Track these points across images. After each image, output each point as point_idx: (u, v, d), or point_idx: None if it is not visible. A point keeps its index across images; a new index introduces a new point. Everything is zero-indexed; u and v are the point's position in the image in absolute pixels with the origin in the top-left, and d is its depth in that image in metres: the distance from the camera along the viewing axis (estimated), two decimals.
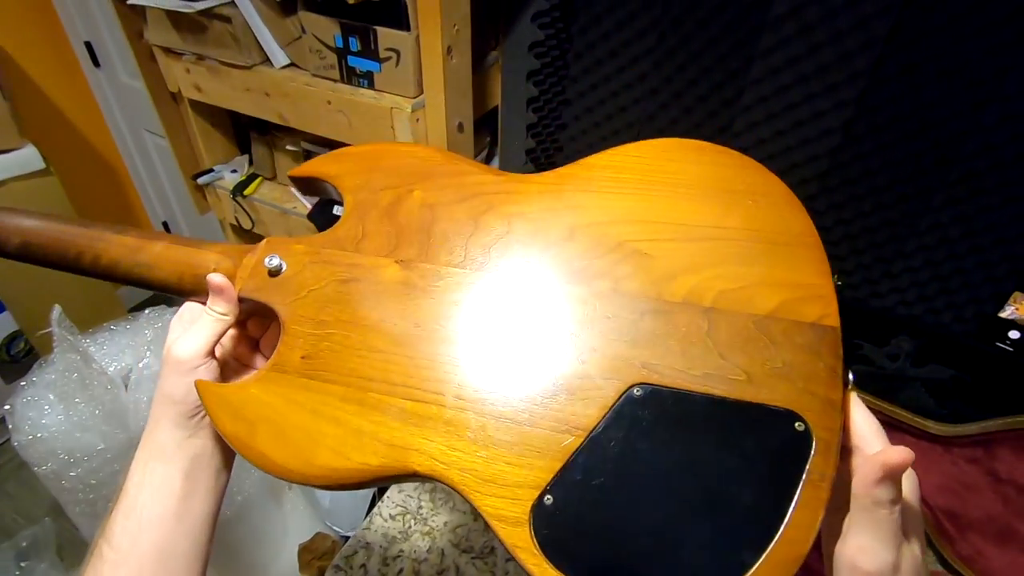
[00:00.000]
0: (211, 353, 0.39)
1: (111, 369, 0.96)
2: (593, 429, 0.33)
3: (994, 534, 0.82)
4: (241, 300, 0.40)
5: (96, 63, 1.88)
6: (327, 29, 0.84)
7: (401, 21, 0.78)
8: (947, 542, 0.85)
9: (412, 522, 0.92)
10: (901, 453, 0.29)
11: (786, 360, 0.34)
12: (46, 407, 0.90)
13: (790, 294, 0.36)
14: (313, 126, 0.93)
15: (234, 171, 1.21)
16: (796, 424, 0.32)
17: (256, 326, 0.46)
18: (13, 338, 1.81)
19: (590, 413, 0.34)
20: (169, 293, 0.44)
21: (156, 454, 0.39)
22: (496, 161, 1.17)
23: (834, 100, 0.84)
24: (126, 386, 0.95)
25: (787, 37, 0.82)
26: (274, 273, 0.40)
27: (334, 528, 1.36)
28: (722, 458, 0.32)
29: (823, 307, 0.36)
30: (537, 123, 1.03)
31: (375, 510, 0.95)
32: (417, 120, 0.85)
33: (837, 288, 1.03)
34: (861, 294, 1.00)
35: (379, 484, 0.36)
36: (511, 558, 0.71)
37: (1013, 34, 0.72)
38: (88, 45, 1.84)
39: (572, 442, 0.33)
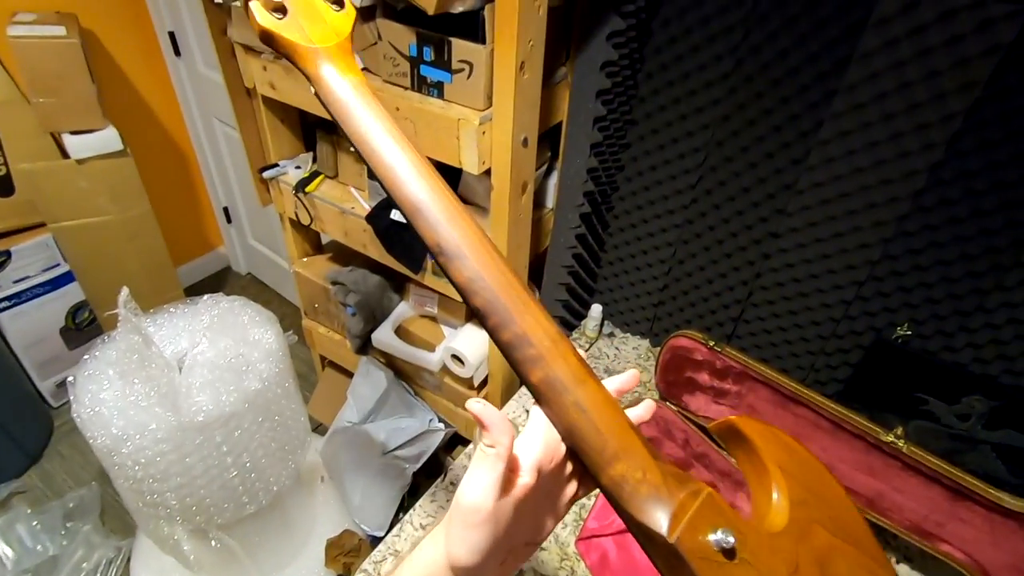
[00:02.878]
0: None
1: (168, 351, 0.99)
2: None
3: None
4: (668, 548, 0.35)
5: (177, 52, 1.97)
6: (403, 37, 0.85)
7: (477, 34, 0.78)
8: None
9: None
10: None
11: None
12: (105, 382, 0.94)
13: None
14: None
15: (298, 167, 1.23)
16: None
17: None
18: (79, 307, 1.91)
19: None
20: (575, 449, 0.38)
21: None
22: (555, 176, 1.16)
23: (923, 141, 0.79)
24: (180, 369, 0.99)
25: (876, 72, 0.78)
26: (723, 552, 0.35)
27: (362, 526, 1.37)
28: None
29: None
30: (602, 142, 1.02)
31: (406, 517, 0.94)
32: (483, 133, 0.85)
33: (905, 337, 0.96)
34: (933, 346, 0.94)
35: None
36: None
37: None
38: (171, 35, 1.93)
39: None
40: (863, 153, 0.84)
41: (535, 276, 1.23)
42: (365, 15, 0.87)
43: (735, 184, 1.01)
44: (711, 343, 1.00)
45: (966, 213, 0.82)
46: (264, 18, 0.41)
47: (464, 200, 1.08)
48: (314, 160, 1.25)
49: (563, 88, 1.02)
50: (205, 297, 1.10)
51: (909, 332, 0.95)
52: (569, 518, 0.94)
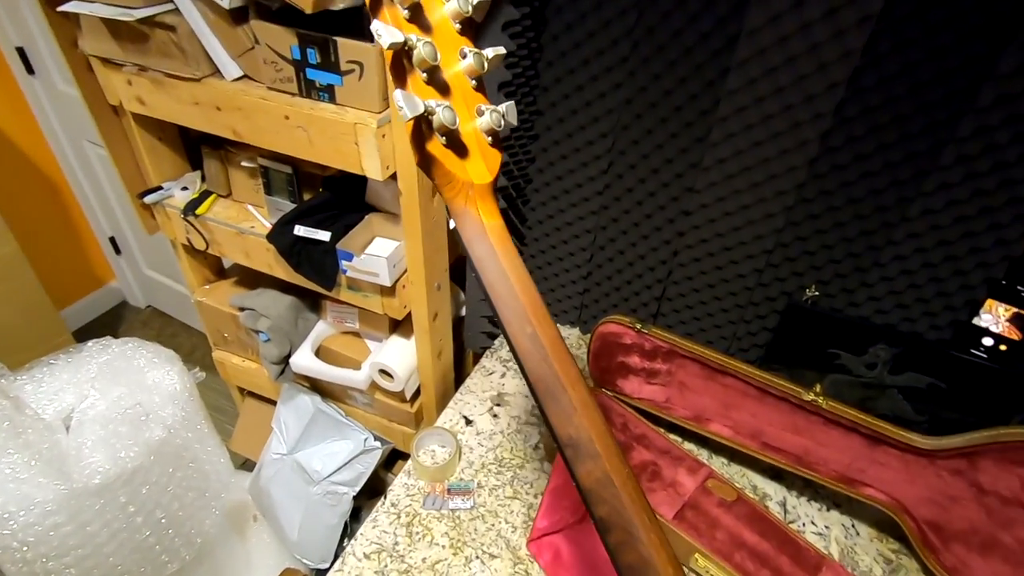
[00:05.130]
0: None
1: (49, 410, 0.88)
2: None
3: (978, 545, 0.82)
4: None
5: (30, 70, 1.75)
6: (283, 40, 0.78)
7: (364, 32, 0.73)
8: (931, 552, 0.85)
9: (388, 560, 0.87)
10: None
11: None
12: None
13: None
14: (270, 142, 0.87)
15: (185, 188, 1.12)
16: None
17: None
18: None
19: None
20: None
21: None
22: None
23: (812, 111, 0.82)
24: (67, 428, 0.87)
25: (764, 48, 0.80)
26: None
27: (304, 561, 1.29)
28: None
29: None
30: (509, 135, 0.99)
31: (348, 548, 0.89)
32: (383, 136, 0.80)
33: (814, 297, 1.00)
34: (839, 303, 0.99)
35: None
36: None
37: (984, 46, 0.72)
38: (20, 51, 1.71)
39: None
40: (760, 127, 0.87)
41: (457, 278, 1.20)
42: (237, 17, 0.80)
43: (644, 166, 1.02)
44: (638, 326, 1.00)
45: (855, 176, 0.86)
46: (437, 148, 0.38)
47: (373, 207, 1.03)
48: (203, 179, 1.14)
49: None
50: (90, 343, 0.98)
51: (817, 293, 1.00)
52: (519, 520, 0.93)
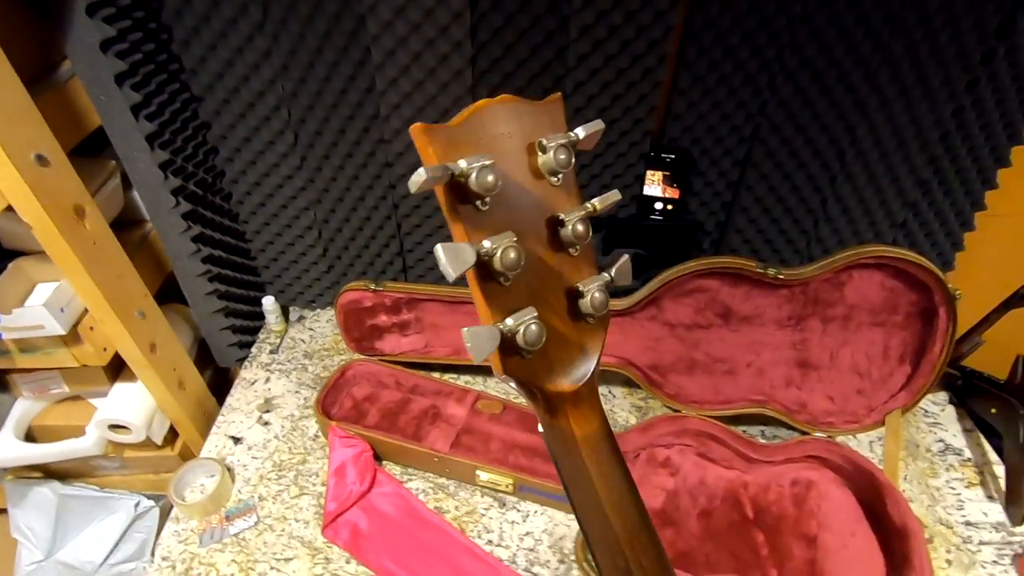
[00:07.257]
0: None
1: None
2: None
3: (683, 369, 1.00)
4: None
5: None
6: None
7: None
8: (658, 389, 1.01)
9: None
10: None
11: None
12: None
13: None
14: None
15: None
16: None
17: None
18: None
19: None
20: None
21: None
22: (135, 189, 1.00)
23: (451, 41, 0.86)
24: None
25: None
26: None
27: None
28: None
29: None
30: (161, 131, 0.89)
31: None
32: None
33: None
34: None
35: None
36: None
37: None
38: None
39: None
40: (414, 67, 0.89)
41: (173, 295, 1.08)
42: None
43: (329, 130, 1.00)
44: (372, 286, 1.01)
45: (511, 93, 0.94)
46: (517, 367, 0.29)
47: (20, 252, 0.86)
48: None
49: (79, 84, 0.85)
50: None
51: None
52: (310, 515, 0.90)
